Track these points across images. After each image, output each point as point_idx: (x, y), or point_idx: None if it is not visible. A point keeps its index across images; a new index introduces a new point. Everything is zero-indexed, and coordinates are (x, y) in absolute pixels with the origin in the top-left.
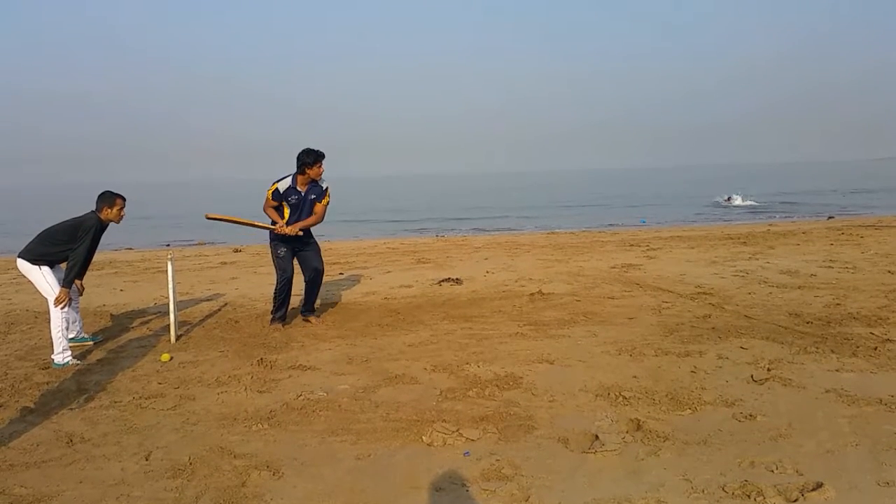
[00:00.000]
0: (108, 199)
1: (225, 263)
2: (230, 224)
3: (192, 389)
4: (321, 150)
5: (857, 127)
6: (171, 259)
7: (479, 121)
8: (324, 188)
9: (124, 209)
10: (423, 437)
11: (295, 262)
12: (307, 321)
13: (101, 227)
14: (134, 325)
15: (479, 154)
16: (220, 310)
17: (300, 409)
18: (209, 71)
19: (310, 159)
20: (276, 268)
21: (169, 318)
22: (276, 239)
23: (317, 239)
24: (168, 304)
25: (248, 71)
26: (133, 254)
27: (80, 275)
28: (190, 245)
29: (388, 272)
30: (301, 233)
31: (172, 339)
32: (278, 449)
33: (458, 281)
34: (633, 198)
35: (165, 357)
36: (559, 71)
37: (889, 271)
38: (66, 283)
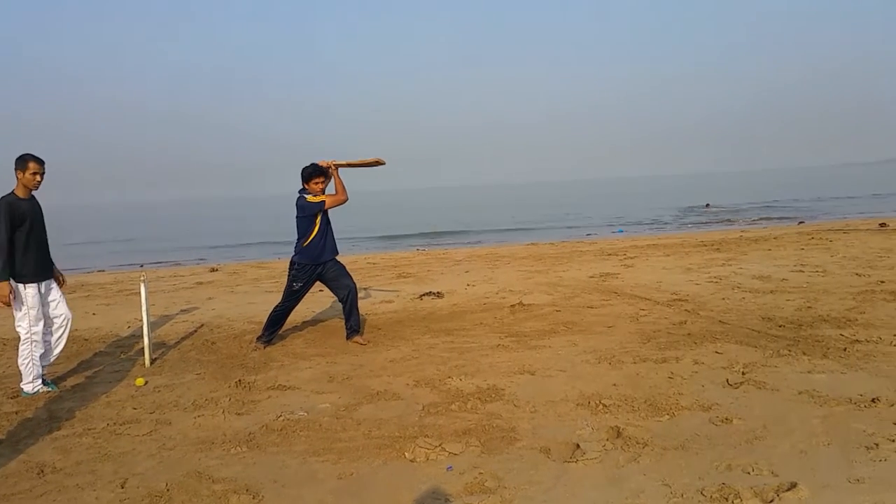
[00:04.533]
0: (21, 162)
1: (201, 283)
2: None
3: (169, 414)
4: (313, 167)
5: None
6: (144, 280)
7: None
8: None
9: (40, 175)
10: (406, 454)
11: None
12: (355, 342)
13: (17, 201)
14: (107, 349)
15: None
16: (196, 331)
17: (280, 430)
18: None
19: (303, 175)
20: (284, 294)
21: (143, 342)
22: (297, 271)
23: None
24: (142, 327)
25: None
26: (105, 276)
27: (28, 261)
28: (164, 265)
29: (368, 288)
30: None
31: (147, 362)
32: (258, 472)
33: (439, 294)
34: (611, 206)
35: (140, 381)
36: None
37: (857, 273)
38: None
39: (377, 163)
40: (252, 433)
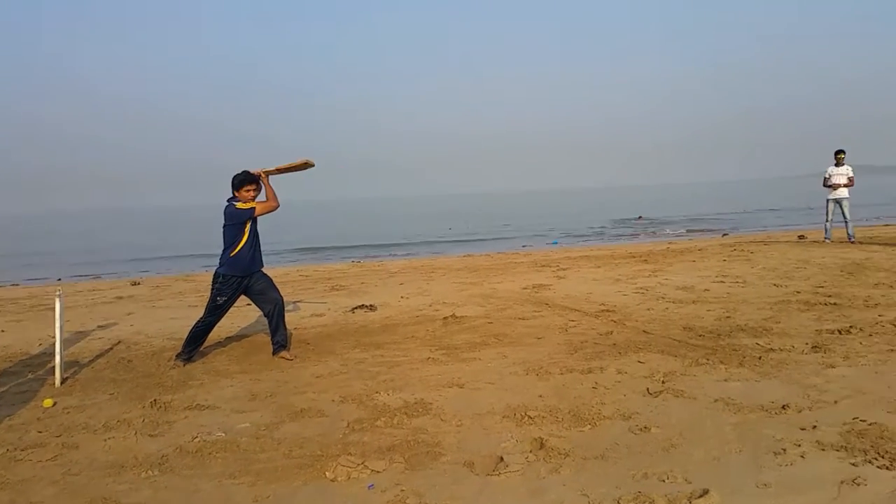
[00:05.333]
0: None
1: (121, 298)
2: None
3: (77, 437)
4: (244, 174)
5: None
6: (59, 295)
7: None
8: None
9: None
10: (327, 473)
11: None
12: (282, 357)
13: None
14: (14, 368)
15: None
16: (112, 348)
17: (195, 452)
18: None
19: (233, 183)
20: (206, 309)
21: (55, 360)
22: (222, 284)
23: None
24: (54, 345)
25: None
26: (19, 290)
27: None
28: (85, 279)
29: (299, 301)
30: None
31: (57, 382)
32: (169, 496)
33: (371, 307)
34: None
35: (48, 402)
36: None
37: (775, 284)
38: None
39: (306, 165)
40: (165, 456)
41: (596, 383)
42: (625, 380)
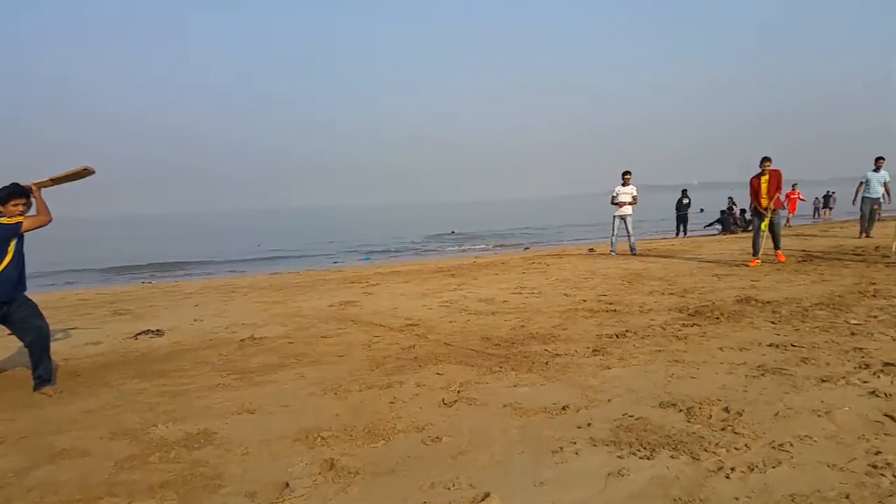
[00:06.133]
0: None
1: None
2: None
3: None
4: (13, 186)
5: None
6: None
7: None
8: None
9: None
10: None
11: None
12: (44, 393)
13: None
14: None
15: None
16: None
17: None
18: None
19: (1, 195)
20: None
21: None
22: None
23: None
24: None
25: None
26: None
27: None
28: None
29: (73, 328)
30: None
31: None
32: None
33: (158, 332)
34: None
35: None
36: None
37: (565, 294)
38: None
39: (86, 171)
40: None
41: (394, 398)
42: (423, 392)
